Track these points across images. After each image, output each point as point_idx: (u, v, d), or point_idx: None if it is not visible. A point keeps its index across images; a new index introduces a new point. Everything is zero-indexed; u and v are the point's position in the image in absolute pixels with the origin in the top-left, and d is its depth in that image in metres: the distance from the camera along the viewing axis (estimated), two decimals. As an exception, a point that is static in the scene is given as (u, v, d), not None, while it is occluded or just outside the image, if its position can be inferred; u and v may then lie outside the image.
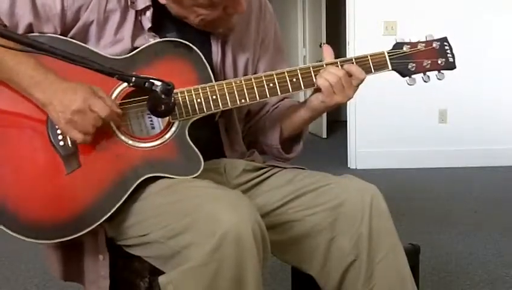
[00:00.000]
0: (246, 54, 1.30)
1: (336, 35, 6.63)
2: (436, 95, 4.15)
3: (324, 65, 1.21)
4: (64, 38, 1.15)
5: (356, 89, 1.22)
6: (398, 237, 1.17)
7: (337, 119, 7.08)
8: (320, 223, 1.16)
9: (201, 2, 1.12)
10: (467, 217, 3.08)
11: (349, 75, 1.20)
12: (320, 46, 6.13)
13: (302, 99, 1.31)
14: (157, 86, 1.02)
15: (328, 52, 1.23)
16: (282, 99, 1.38)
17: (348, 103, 4.90)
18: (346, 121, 4.67)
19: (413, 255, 1.44)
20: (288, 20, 6.81)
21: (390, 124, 4.46)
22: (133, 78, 1.02)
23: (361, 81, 1.21)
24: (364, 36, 4.31)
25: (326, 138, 6.31)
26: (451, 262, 2.40)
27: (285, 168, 1.29)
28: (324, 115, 6.23)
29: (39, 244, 1.14)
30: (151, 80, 1.02)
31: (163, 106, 1.05)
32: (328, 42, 6.13)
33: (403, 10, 4.32)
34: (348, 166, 4.57)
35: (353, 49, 4.38)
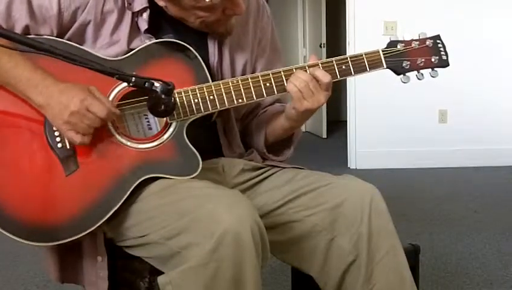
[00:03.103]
0: (244, 54, 1.30)
1: (335, 35, 6.63)
2: (436, 95, 4.15)
3: (319, 65, 1.19)
4: (61, 40, 1.14)
5: (327, 95, 1.18)
6: (398, 237, 1.17)
7: (337, 119, 7.08)
8: (320, 223, 1.16)
9: (201, 5, 1.12)
10: (467, 217, 3.07)
11: (317, 80, 1.17)
12: (321, 46, 6.13)
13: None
14: (157, 86, 1.02)
15: (313, 60, 1.20)
16: (273, 103, 1.37)
17: (348, 102, 4.91)
18: (346, 121, 4.66)
19: (413, 255, 1.44)
20: (288, 20, 6.81)
21: (390, 124, 4.46)
22: (133, 78, 1.01)
23: (327, 85, 1.16)
24: (364, 36, 4.31)
25: (326, 138, 6.30)
26: (451, 262, 2.40)
27: (284, 167, 1.29)
28: (324, 115, 6.23)
29: (38, 246, 1.14)
30: (151, 80, 1.02)
31: (163, 106, 1.04)
32: (328, 42, 6.15)
33: (403, 10, 4.32)
34: (348, 166, 4.56)
35: (353, 50, 4.37)
